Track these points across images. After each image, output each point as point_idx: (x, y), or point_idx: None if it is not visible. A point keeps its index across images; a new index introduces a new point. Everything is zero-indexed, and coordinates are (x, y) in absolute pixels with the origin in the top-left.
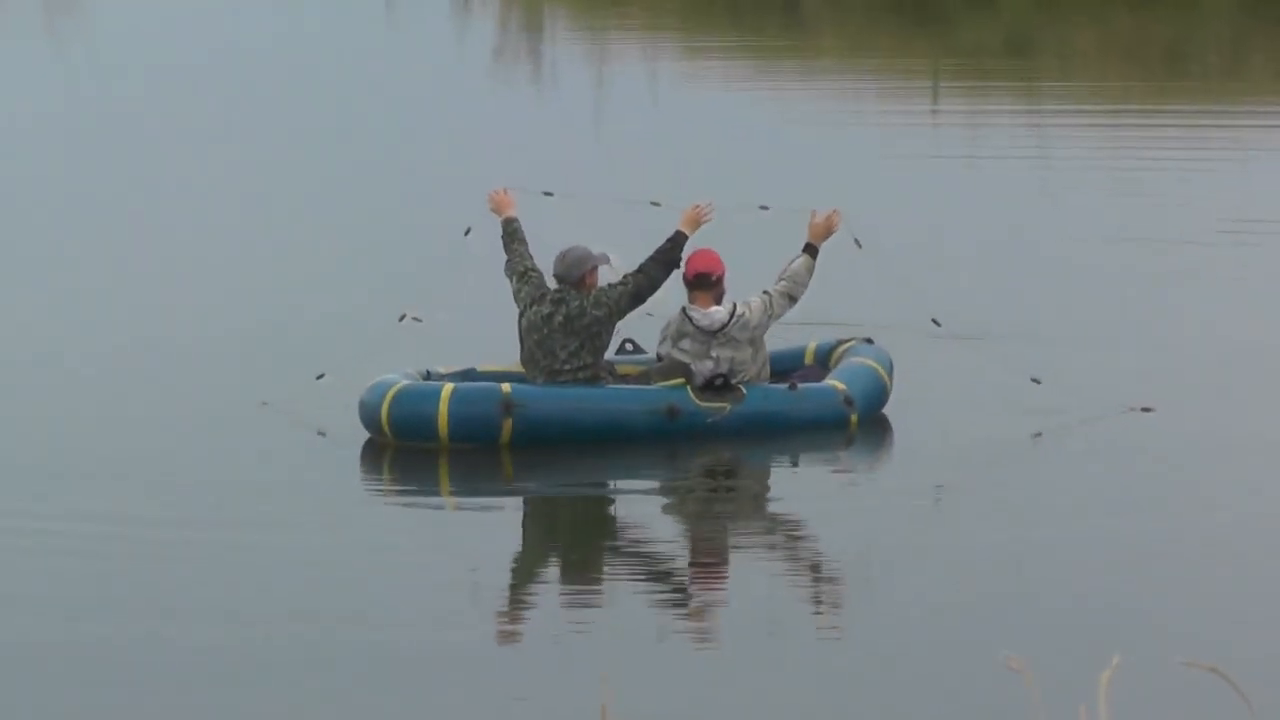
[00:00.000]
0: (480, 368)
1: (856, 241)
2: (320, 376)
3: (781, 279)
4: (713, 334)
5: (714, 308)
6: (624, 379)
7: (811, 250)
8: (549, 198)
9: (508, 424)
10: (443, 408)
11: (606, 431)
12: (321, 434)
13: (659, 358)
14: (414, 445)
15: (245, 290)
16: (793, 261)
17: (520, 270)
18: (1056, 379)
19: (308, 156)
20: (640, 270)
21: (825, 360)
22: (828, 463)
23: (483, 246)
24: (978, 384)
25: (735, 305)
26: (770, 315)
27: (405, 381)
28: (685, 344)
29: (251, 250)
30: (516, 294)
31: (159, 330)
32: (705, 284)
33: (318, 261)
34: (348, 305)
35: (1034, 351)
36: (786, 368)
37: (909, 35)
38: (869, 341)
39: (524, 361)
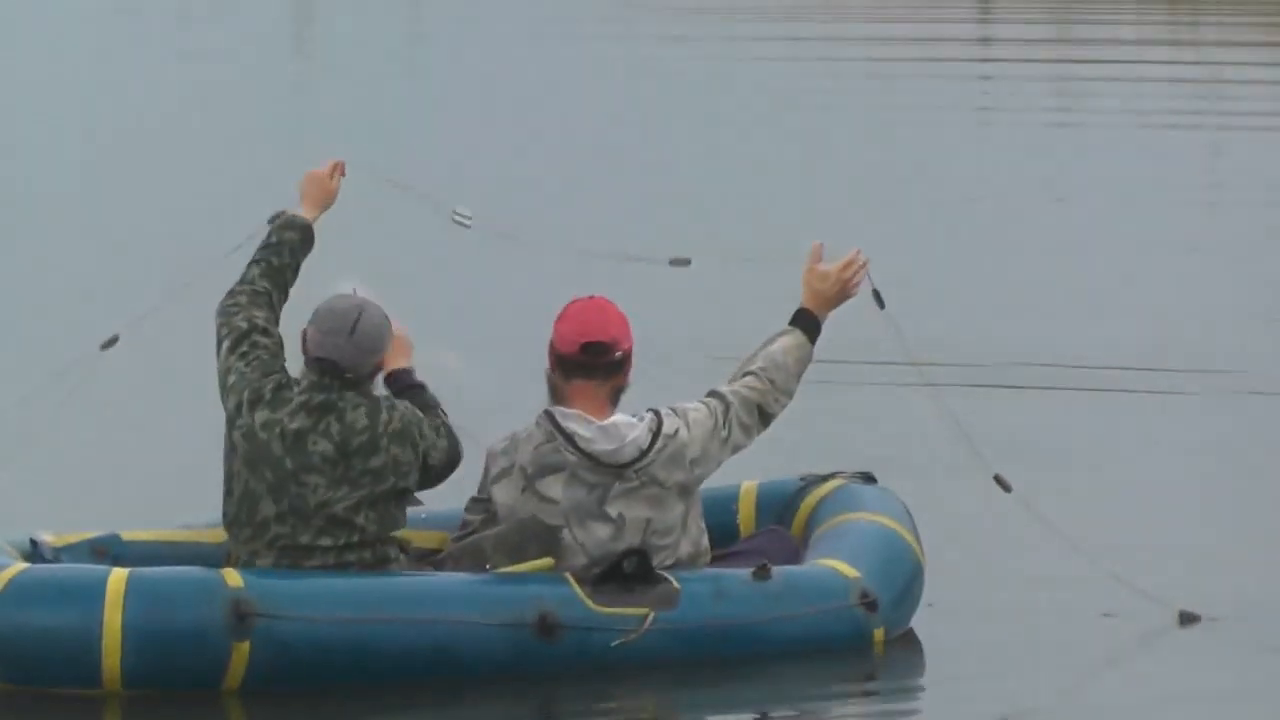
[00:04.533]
0: (126, 534)
1: (877, 296)
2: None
3: (749, 371)
4: (618, 470)
5: (617, 416)
6: (428, 557)
7: (808, 322)
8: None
9: (241, 651)
10: (110, 619)
11: (422, 665)
12: None
13: (490, 512)
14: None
15: None
16: (772, 341)
17: (243, 328)
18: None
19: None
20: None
21: (783, 514)
22: None
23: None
24: None
25: (659, 415)
26: (724, 440)
27: (19, 564)
28: (555, 487)
29: None
30: (224, 376)
31: None
32: (597, 364)
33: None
34: None
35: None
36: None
37: None
38: (869, 479)
39: (231, 521)
